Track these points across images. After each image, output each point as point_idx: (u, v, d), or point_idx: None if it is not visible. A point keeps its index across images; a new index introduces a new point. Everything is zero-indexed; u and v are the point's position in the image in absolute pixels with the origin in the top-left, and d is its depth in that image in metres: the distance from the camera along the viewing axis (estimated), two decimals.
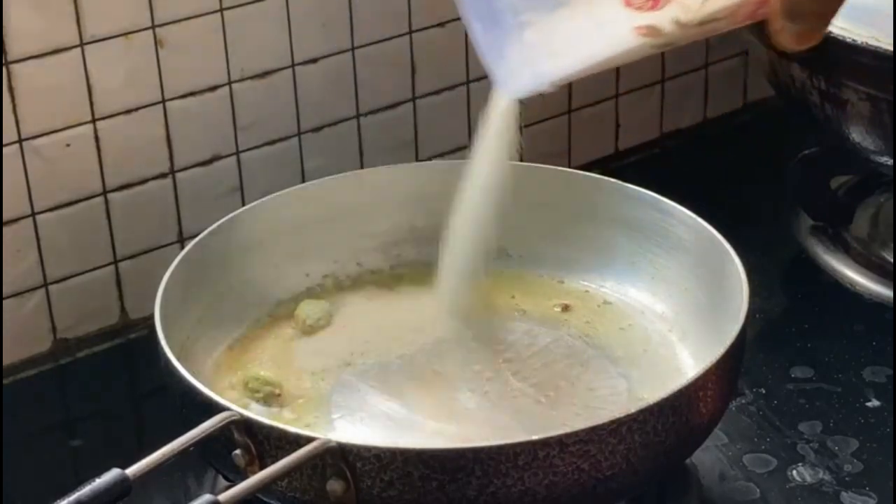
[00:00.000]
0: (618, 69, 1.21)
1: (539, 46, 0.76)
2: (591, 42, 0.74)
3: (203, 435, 0.74)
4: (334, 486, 0.73)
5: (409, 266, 0.98)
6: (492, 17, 0.76)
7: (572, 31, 0.75)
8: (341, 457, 0.72)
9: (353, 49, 1.07)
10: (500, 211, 0.85)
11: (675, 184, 0.96)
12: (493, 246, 0.87)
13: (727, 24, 0.72)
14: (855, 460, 0.88)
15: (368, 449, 0.72)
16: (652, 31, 0.72)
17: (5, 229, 0.96)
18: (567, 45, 0.75)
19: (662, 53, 1.23)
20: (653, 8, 0.72)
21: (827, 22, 0.71)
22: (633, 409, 0.74)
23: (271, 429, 0.74)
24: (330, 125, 1.08)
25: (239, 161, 1.05)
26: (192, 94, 1.01)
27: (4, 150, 0.95)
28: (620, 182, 0.96)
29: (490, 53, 0.77)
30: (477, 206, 0.85)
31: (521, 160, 0.87)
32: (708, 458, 0.88)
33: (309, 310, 0.93)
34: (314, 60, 1.06)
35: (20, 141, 0.95)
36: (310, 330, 0.92)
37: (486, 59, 0.78)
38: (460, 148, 1.15)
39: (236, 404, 0.77)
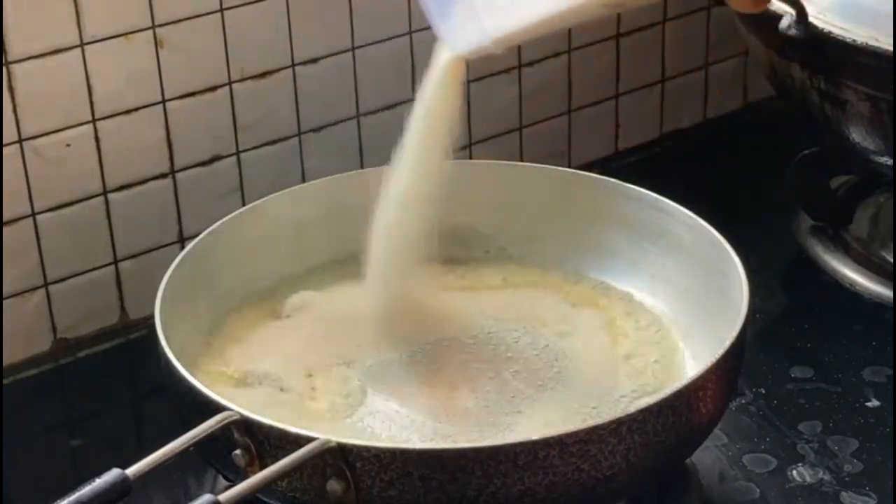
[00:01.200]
0: (617, 68, 1.21)
1: (485, 3, 0.73)
2: None
3: (203, 435, 0.74)
4: (334, 486, 0.73)
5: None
6: None
7: None
8: (341, 457, 0.72)
9: (353, 49, 1.07)
10: (441, 182, 0.79)
11: (675, 184, 0.96)
12: (434, 227, 0.82)
13: None
14: (855, 460, 0.88)
15: (368, 449, 0.72)
16: None
17: (5, 229, 0.96)
18: (513, 2, 0.72)
19: (662, 52, 1.23)
20: None
21: None
22: (633, 409, 0.74)
23: (271, 429, 0.74)
24: (330, 125, 1.08)
25: (239, 161, 1.05)
26: (192, 94, 1.01)
27: (4, 150, 0.95)
28: (620, 182, 0.96)
29: (435, 7, 0.74)
30: (415, 172, 0.80)
31: (522, 160, 0.87)
32: (708, 458, 0.88)
33: (299, 300, 0.93)
34: (314, 60, 1.06)
35: (20, 141, 0.95)
36: (298, 321, 0.92)
37: (430, 13, 0.75)
38: (460, 148, 1.15)
39: (236, 403, 0.77)
